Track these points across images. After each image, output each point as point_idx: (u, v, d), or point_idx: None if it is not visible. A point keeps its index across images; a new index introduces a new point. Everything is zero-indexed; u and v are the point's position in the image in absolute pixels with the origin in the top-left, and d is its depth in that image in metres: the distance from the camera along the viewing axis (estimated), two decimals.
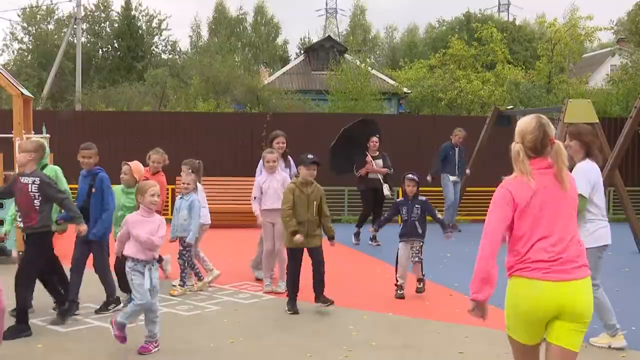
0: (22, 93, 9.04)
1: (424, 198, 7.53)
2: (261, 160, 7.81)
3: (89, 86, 28.22)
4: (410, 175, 7.47)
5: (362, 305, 6.86)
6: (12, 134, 9.11)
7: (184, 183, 7.50)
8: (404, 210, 7.41)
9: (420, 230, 7.40)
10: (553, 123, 4.14)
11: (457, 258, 9.52)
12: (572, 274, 3.38)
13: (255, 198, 7.69)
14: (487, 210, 3.54)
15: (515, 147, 3.48)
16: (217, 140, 14.25)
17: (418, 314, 6.61)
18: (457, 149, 12.50)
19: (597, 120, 10.64)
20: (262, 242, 7.81)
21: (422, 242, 7.44)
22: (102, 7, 38.97)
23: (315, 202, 6.71)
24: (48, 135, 11.02)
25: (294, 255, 6.73)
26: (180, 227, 7.34)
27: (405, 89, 27.68)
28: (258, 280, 8.01)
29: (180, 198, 7.47)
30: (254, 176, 7.95)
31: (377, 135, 10.97)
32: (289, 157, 8.30)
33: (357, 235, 11.07)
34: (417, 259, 7.37)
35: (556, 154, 3.46)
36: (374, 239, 10.86)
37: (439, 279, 8.15)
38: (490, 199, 3.56)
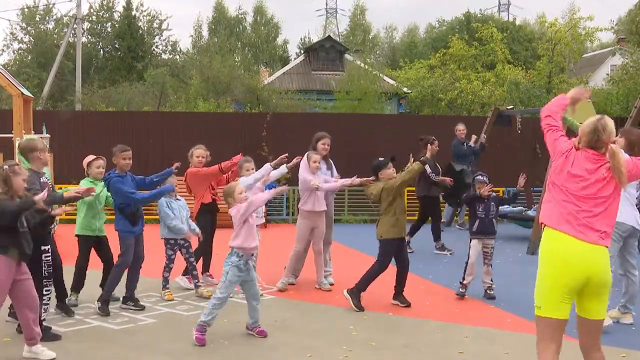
0: (22, 93, 9.05)
1: (494, 194, 7.46)
2: (306, 160, 7.48)
3: (89, 86, 28.17)
4: (479, 177, 7.40)
5: (362, 305, 6.84)
6: (12, 134, 9.12)
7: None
8: (480, 208, 7.26)
9: (496, 228, 7.37)
10: None
11: (457, 258, 9.51)
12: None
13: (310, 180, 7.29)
14: None
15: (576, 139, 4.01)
16: (217, 140, 14.23)
17: (418, 314, 6.61)
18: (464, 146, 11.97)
19: None
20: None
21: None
22: (105, 8, 38.97)
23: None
24: (48, 135, 11.02)
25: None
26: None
27: (405, 89, 27.67)
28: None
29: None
30: None
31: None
32: (330, 160, 7.91)
33: (442, 246, 10.34)
34: (489, 261, 7.33)
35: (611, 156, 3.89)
36: (407, 244, 10.44)
37: (439, 279, 8.15)
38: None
